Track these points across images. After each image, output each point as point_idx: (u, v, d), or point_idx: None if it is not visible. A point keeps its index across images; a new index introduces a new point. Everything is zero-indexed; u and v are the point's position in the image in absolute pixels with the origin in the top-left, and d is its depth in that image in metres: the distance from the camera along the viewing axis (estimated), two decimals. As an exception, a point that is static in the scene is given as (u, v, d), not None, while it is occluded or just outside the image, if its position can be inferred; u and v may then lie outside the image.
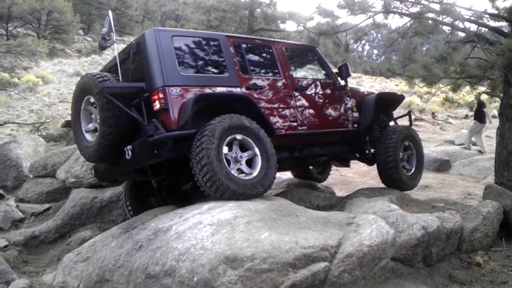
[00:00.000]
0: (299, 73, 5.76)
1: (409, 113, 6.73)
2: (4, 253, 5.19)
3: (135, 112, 4.20)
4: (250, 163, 4.36)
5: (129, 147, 4.17)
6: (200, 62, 4.77)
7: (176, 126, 4.15)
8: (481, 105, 12.05)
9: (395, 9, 6.55)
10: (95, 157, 4.52)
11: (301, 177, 7.34)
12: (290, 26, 23.14)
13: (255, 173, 4.26)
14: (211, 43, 4.88)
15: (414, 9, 6.56)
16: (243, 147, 4.35)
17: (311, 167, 7.22)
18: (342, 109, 5.79)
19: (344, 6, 6.59)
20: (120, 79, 4.44)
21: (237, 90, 4.73)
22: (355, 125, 5.87)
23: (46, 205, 6.84)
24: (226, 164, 4.10)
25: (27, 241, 5.75)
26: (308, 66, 6.12)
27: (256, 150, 4.32)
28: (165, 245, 3.38)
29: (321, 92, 5.63)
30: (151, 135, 4.03)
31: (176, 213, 3.97)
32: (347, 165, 6.80)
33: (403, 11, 6.60)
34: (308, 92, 5.43)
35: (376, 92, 6.54)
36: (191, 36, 4.93)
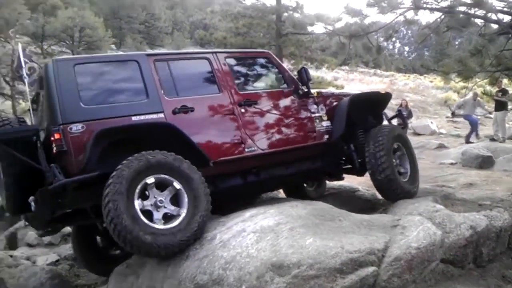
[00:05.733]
0: (248, 85, 5.04)
1: (399, 114, 6.13)
2: (57, 268, 5.40)
3: (41, 157, 3.66)
4: (176, 198, 3.77)
5: (31, 198, 3.69)
6: (113, 90, 4.17)
7: (77, 169, 3.60)
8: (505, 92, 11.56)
9: (425, 5, 6.45)
10: (8, 209, 4.15)
11: (293, 194, 6.16)
12: (318, 29, 23.04)
13: (184, 211, 3.69)
14: (128, 65, 4.32)
15: (444, 3, 6.46)
16: (161, 184, 3.72)
17: (305, 185, 6.32)
18: (306, 119, 5.03)
19: (373, 5, 6.56)
20: (32, 118, 4.07)
21: (160, 116, 4.10)
22: (326, 136, 5.11)
23: (93, 219, 7.06)
24: (149, 222, 3.51)
25: (76, 255, 5.94)
26: (262, 75, 5.36)
27: (176, 184, 3.71)
28: (211, 254, 3.43)
29: (276, 104, 4.89)
30: (51, 182, 3.52)
31: (219, 221, 4.01)
32: (339, 178, 5.97)
33: (433, 6, 6.49)
34: (258, 106, 4.72)
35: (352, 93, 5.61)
36: (101, 61, 4.42)
